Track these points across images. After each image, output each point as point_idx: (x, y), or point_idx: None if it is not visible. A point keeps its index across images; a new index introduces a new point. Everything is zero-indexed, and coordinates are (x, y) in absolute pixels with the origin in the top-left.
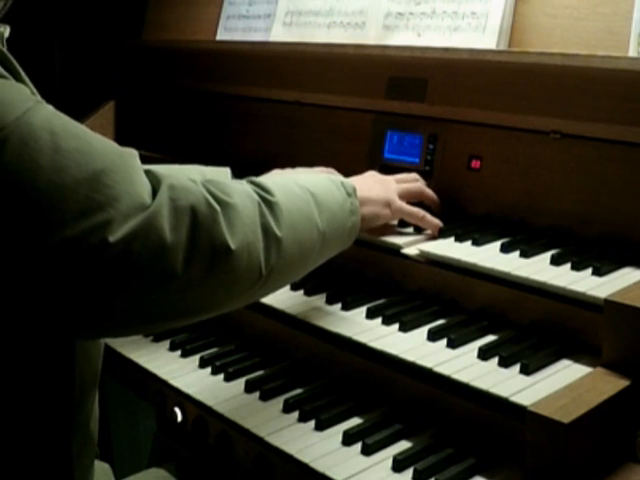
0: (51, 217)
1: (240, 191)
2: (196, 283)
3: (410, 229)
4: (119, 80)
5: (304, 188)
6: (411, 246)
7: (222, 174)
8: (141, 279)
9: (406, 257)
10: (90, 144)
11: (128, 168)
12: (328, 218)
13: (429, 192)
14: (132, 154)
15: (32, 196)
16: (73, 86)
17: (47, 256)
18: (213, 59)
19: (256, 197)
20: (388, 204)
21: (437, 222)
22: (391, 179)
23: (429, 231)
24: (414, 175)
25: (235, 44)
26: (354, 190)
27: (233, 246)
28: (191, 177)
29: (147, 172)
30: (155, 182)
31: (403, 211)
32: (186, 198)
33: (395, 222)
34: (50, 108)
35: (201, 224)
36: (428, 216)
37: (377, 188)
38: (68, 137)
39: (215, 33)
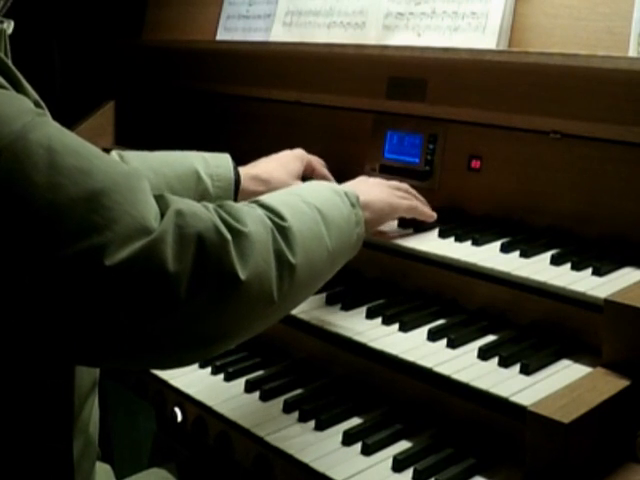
0: (44, 236)
1: (254, 217)
2: (202, 313)
3: (410, 229)
4: (119, 80)
5: (312, 205)
6: (411, 246)
7: (223, 160)
8: (140, 307)
9: (406, 257)
10: (91, 163)
11: (132, 189)
12: (337, 236)
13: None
14: (139, 176)
15: (25, 214)
16: (73, 86)
17: (40, 278)
18: (213, 59)
19: (269, 223)
20: (389, 204)
21: (432, 212)
22: (383, 181)
23: (429, 233)
24: (404, 186)
25: (235, 44)
26: (357, 199)
27: (243, 277)
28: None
29: (159, 197)
30: (164, 206)
31: (402, 208)
32: (194, 225)
33: (395, 222)
34: (52, 123)
35: (208, 253)
36: (420, 207)
37: (375, 190)
38: (67, 154)
39: (215, 33)
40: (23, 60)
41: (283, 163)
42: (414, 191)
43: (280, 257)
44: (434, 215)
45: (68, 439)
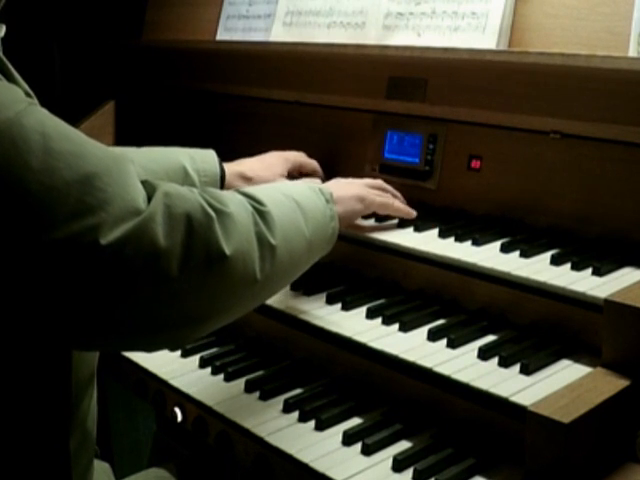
0: (41, 218)
1: (235, 201)
2: (191, 290)
3: (410, 229)
4: (119, 80)
5: (289, 197)
6: (411, 246)
7: (208, 156)
8: (134, 285)
9: (406, 257)
10: (83, 147)
11: (122, 173)
12: (313, 226)
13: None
14: (127, 160)
15: (21, 197)
16: (73, 86)
17: (37, 258)
18: (213, 59)
19: (249, 207)
20: (361, 199)
21: (409, 209)
22: (357, 180)
23: (429, 233)
24: (379, 182)
25: (235, 44)
26: (331, 196)
27: (228, 252)
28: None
29: (144, 181)
30: (150, 189)
31: (375, 204)
32: (182, 205)
33: (395, 221)
34: (44, 111)
35: (196, 231)
36: (397, 203)
37: (348, 187)
38: (60, 139)
39: (215, 33)
40: (23, 61)
41: (269, 164)
42: (390, 187)
43: (261, 238)
44: (413, 213)
45: (65, 431)
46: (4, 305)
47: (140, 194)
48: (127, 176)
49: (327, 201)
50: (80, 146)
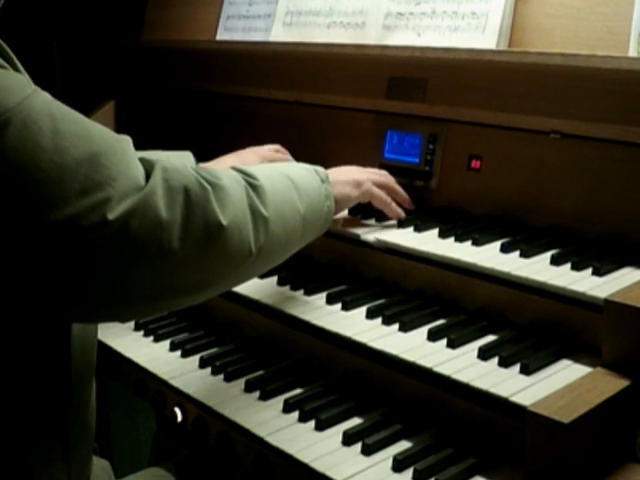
0: (53, 195)
1: (227, 175)
2: (191, 259)
3: (410, 229)
4: (119, 80)
5: (283, 174)
6: (411, 246)
7: (185, 157)
8: (139, 255)
9: (406, 257)
10: (87, 129)
11: (124, 152)
12: (307, 202)
13: (398, 187)
14: (126, 140)
15: (35, 175)
16: (73, 86)
17: (50, 233)
18: (213, 59)
19: (242, 181)
20: (358, 185)
21: (400, 212)
22: (362, 168)
23: (429, 233)
24: (384, 172)
25: (235, 44)
26: (327, 177)
27: (225, 222)
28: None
29: (141, 159)
30: (148, 166)
31: (372, 194)
32: (179, 179)
33: (395, 221)
34: (47, 95)
35: (194, 202)
36: (394, 205)
37: (348, 172)
38: (66, 121)
39: (215, 33)
40: (23, 61)
41: (244, 161)
42: (392, 179)
43: (254, 211)
44: (401, 214)
45: (65, 422)
46: (13, 284)
47: (139, 171)
48: (128, 155)
49: (322, 181)
50: (84, 128)
